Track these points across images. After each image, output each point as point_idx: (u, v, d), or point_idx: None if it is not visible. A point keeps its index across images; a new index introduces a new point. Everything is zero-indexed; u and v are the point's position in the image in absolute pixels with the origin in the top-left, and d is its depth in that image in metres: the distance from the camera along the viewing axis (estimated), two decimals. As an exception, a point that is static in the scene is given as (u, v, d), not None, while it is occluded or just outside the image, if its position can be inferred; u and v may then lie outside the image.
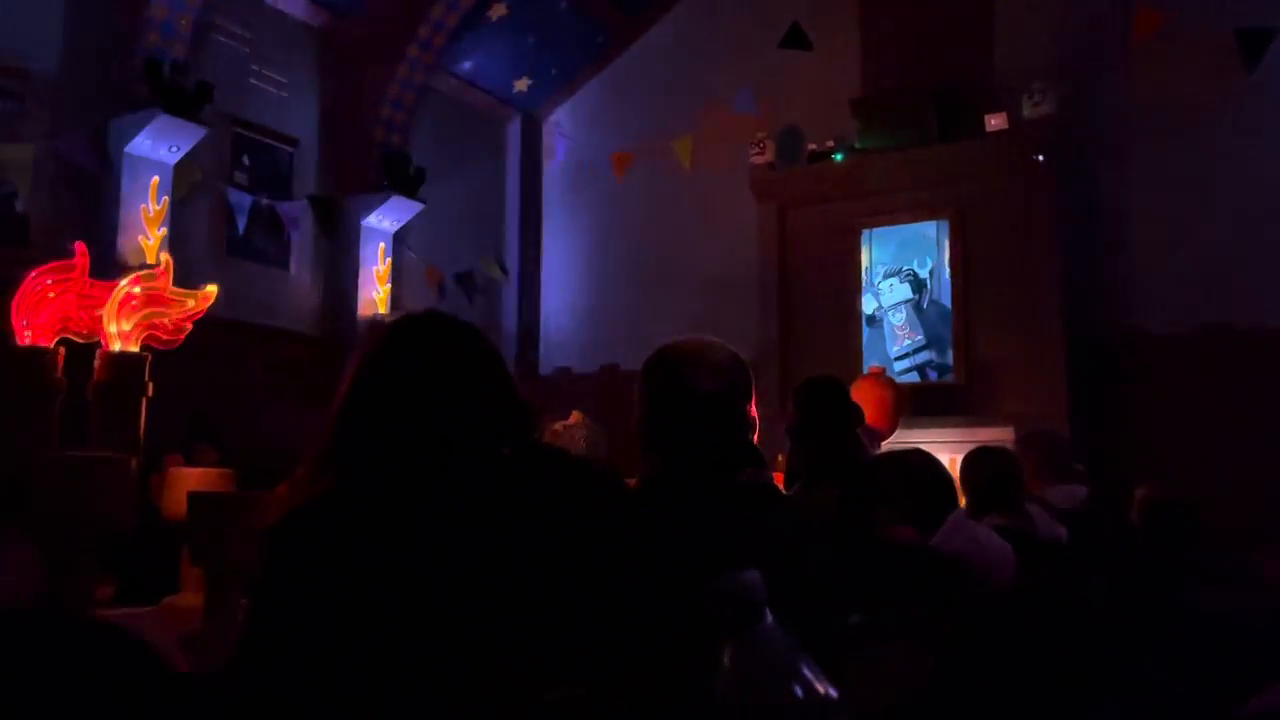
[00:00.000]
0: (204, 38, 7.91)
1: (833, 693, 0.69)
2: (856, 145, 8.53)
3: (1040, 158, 7.72)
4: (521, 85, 10.64)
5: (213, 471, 3.18)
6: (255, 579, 1.08)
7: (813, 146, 8.75)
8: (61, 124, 7.13)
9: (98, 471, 2.20)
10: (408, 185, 9.20)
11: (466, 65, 10.11)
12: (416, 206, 9.29)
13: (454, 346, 1.24)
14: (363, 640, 0.97)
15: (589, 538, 1.10)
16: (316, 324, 8.94)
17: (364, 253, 9.15)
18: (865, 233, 8.40)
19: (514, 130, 11.16)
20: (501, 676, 0.92)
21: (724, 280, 9.26)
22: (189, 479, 2.94)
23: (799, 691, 0.67)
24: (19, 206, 6.89)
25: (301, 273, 8.88)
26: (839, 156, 8.59)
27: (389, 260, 9.30)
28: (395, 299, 9.29)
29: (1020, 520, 3.01)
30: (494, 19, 9.61)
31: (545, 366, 10.72)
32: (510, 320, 10.86)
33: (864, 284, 8.35)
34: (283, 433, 7.45)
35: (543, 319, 10.94)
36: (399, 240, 9.49)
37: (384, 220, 9.22)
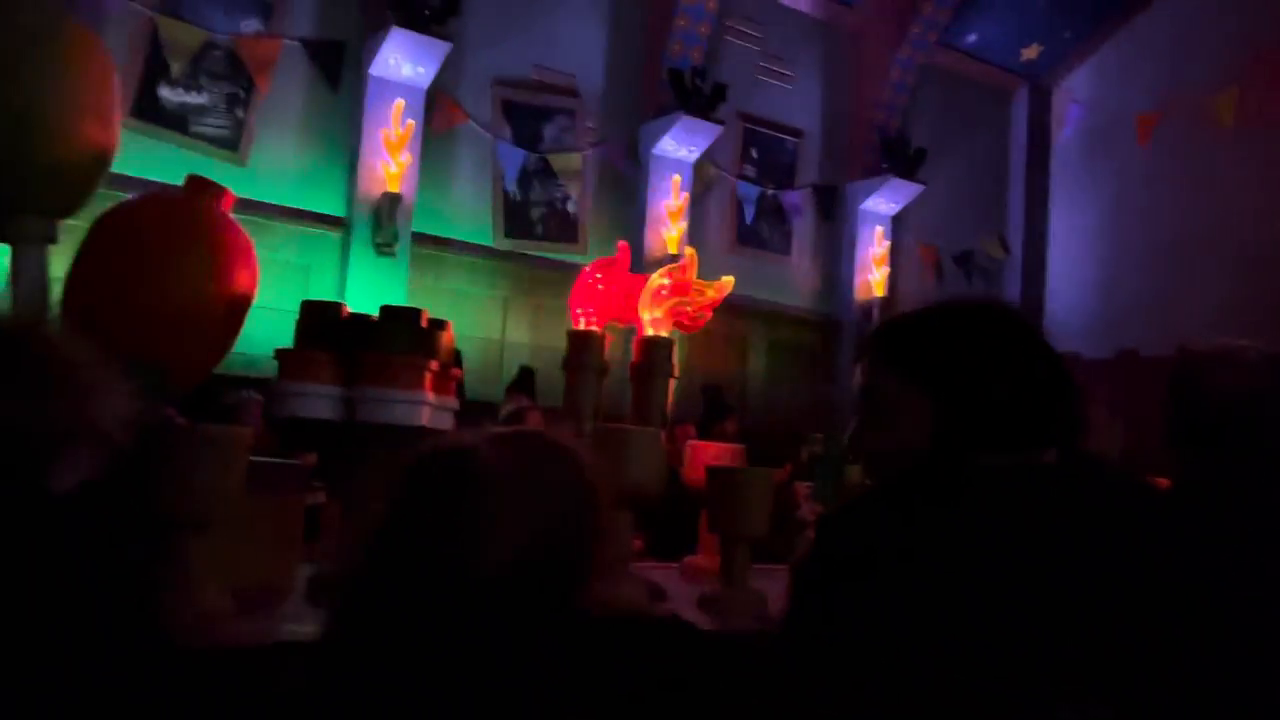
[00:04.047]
0: (719, 40, 8.53)
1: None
2: None
3: None
4: (1030, 53, 10.07)
5: (727, 446, 3.47)
6: (804, 561, 1.12)
7: (1400, 90, 7.25)
8: (602, 133, 8.15)
9: (634, 441, 2.52)
10: (907, 167, 9.18)
11: (970, 38, 9.79)
12: (915, 188, 9.23)
13: (1022, 339, 1.16)
14: (897, 643, 0.99)
15: (1135, 553, 1.04)
16: (815, 307, 9.28)
17: (861, 236, 9.31)
18: None
19: (1020, 101, 10.62)
20: (1029, 693, 0.91)
21: (1267, 254, 8.02)
22: (707, 452, 3.24)
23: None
24: (570, 208, 8.00)
25: (802, 258, 9.26)
26: None
27: (886, 243, 9.35)
28: (892, 281, 9.34)
29: None
30: (1000, -13, 9.22)
31: (1051, 350, 10.09)
32: (1012, 300, 10.38)
33: None
34: (783, 410, 7.88)
35: (1048, 299, 10.30)
36: (897, 222, 9.50)
37: (882, 203, 9.29)
